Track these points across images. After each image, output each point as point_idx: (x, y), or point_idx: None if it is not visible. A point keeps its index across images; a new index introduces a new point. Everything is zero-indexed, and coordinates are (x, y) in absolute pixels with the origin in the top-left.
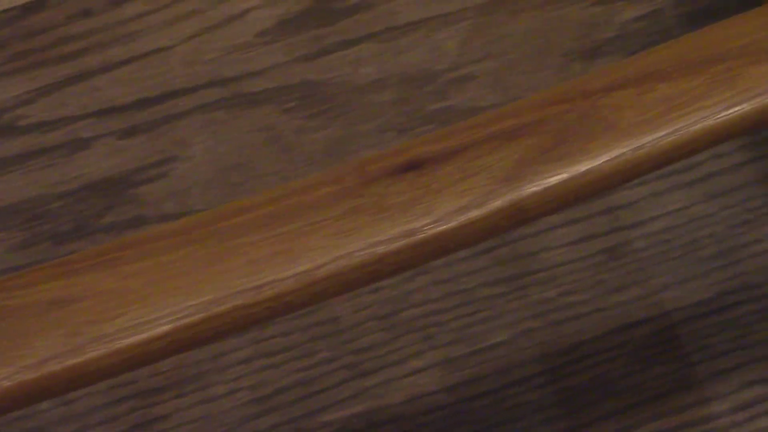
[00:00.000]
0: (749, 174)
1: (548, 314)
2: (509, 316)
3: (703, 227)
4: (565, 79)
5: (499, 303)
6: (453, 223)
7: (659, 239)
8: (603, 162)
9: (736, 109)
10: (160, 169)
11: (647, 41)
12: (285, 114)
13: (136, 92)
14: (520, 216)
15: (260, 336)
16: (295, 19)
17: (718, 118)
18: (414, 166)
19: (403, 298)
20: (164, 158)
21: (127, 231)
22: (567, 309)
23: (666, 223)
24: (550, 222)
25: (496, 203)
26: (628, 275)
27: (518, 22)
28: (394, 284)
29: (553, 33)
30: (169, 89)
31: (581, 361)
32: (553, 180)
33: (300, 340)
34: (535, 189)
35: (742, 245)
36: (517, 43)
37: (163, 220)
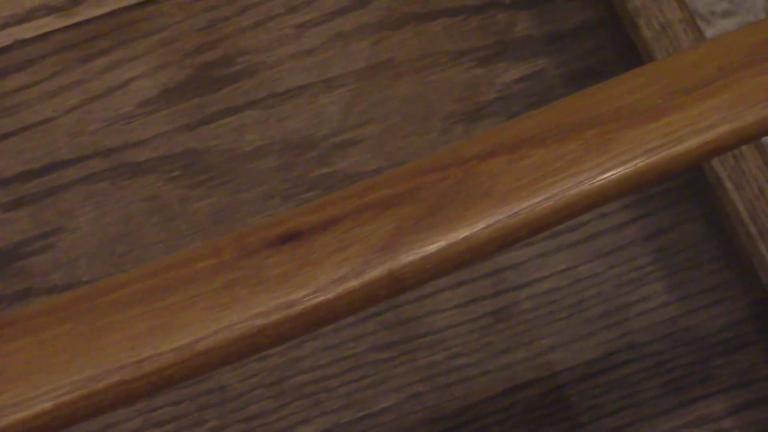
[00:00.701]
0: (634, 233)
1: (436, 378)
2: (397, 380)
3: (590, 287)
4: (449, 142)
5: (387, 367)
6: (331, 294)
7: (546, 300)
8: (480, 229)
9: (611, 173)
10: (46, 241)
11: (529, 102)
12: (169, 183)
13: (21, 164)
14: (399, 285)
15: (149, 406)
16: (177, 88)
17: (594, 182)
18: (291, 237)
19: (292, 365)
20: (50, 230)
21: (15, 304)
22: (454, 372)
23: (552, 284)
24: (436, 285)
25: (374, 273)
26: (515, 337)
27: (399, 86)
28: (282, 351)
29: (435, 96)
30: (54, 161)
31: (469, 424)
32: (430, 248)
33: (189, 409)
34: (412, 258)
35: (628, 304)
36: (398, 107)
37: (51, 292)
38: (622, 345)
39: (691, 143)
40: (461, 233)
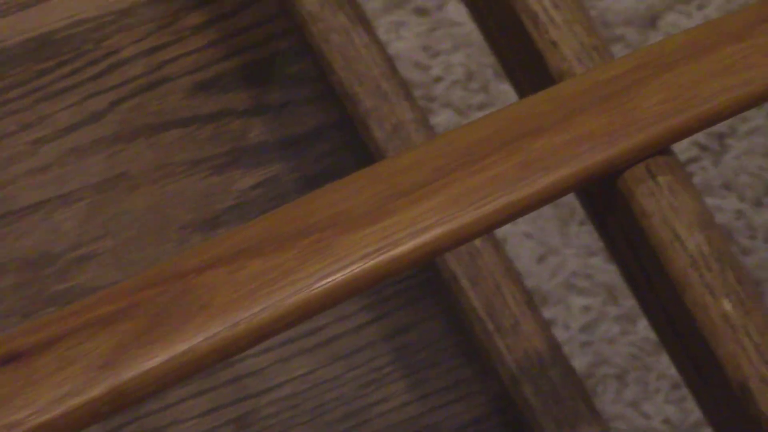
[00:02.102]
0: (373, 333)
1: None
2: None
3: (330, 390)
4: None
5: None
6: (54, 413)
7: (287, 405)
8: (199, 341)
9: (329, 279)
10: None
11: (265, 208)
12: None
13: None
14: (122, 400)
15: None
16: None
17: (311, 290)
18: (12, 358)
19: None
20: None
21: None
22: None
23: (293, 389)
24: (179, 395)
25: (96, 390)
26: None
27: (135, 198)
28: None
29: (171, 206)
30: None
31: None
32: (151, 363)
33: None
34: (133, 373)
35: (369, 405)
36: (135, 219)
37: None
38: None
39: (408, 246)
40: (181, 347)
